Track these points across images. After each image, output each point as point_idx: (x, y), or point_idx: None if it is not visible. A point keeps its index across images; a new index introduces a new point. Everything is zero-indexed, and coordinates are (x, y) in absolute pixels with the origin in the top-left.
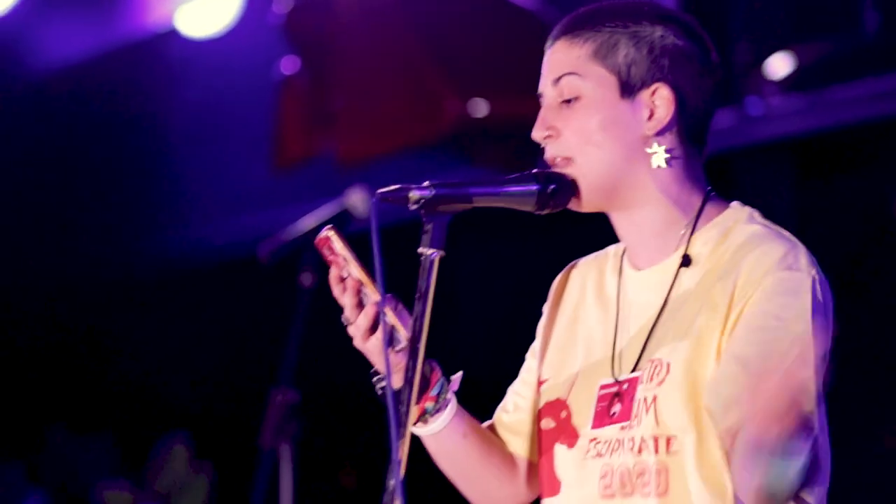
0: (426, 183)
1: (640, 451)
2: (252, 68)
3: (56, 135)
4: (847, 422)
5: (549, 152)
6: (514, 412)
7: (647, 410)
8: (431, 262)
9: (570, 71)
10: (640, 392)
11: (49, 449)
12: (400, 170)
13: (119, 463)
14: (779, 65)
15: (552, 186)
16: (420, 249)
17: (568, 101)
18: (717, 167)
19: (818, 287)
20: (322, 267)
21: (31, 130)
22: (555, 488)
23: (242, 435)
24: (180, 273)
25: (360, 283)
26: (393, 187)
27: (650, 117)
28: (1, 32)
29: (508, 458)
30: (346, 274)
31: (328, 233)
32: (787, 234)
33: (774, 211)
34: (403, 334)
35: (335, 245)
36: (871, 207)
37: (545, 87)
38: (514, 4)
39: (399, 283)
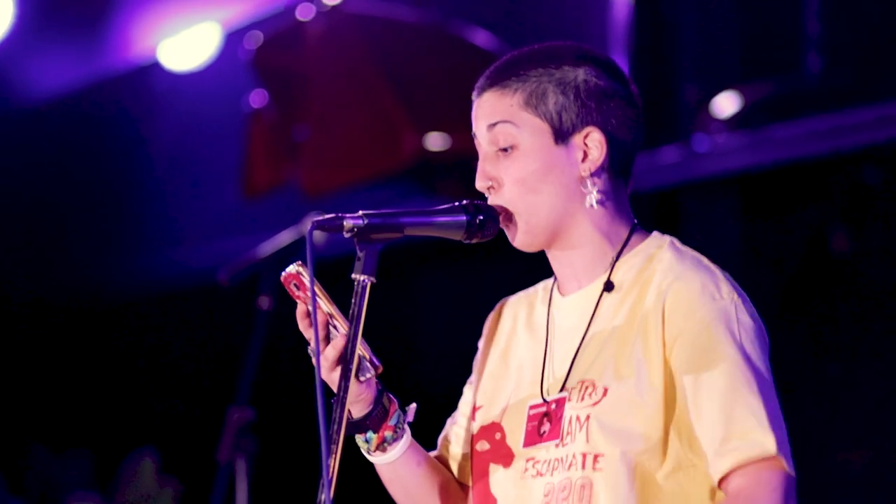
0: (360, 212)
1: (569, 467)
2: (228, 100)
3: (43, 161)
4: (797, 441)
5: (493, 202)
6: (456, 443)
7: (580, 429)
8: (363, 288)
9: (504, 119)
10: (570, 411)
11: (30, 463)
12: (366, 200)
13: (94, 477)
14: (725, 104)
15: (480, 217)
16: (353, 276)
17: (505, 150)
18: (665, 201)
19: (741, 310)
20: (280, 290)
21: (20, 157)
22: None
23: (205, 450)
24: (155, 295)
25: (329, 316)
26: (328, 216)
27: (584, 159)
28: None
29: (455, 486)
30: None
31: (297, 269)
32: (705, 260)
33: (719, 243)
34: (372, 365)
35: (305, 281)
36: (812, 241)
37: (479, 132)
38: (472, 44)
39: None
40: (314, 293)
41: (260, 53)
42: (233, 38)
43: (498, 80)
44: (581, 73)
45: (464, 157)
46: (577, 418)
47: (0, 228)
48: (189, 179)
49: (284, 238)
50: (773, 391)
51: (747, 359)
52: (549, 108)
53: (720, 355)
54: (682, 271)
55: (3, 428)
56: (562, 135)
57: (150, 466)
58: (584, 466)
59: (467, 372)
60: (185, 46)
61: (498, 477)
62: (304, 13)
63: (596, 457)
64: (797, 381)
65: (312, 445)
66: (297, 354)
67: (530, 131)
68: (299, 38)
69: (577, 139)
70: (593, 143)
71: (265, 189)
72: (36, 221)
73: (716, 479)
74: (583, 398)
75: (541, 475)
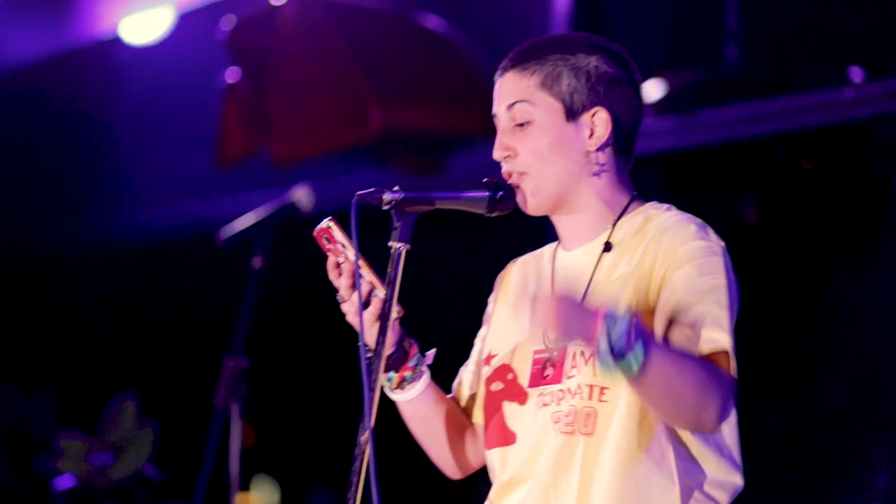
0: (396, 188)
1: (574, 396)
2: (187, 71)
3: (12, 127)
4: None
5: (507, 168)
6: (470, 388)
7: (585, 362)
8: (399, 254)
9: (521, 99)
10: (573, 348)
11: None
12: (316, 167)
13: (63, 418)
14: (652, 90)
15: (500, 193)
16: (390, 243)
17: (521, 125)
18: None
19: (726, 254)
20: (271, 252)
21: None
22: (509, 439)
23: (192, 395)
24: (124, 250)
25: (357, 267)
26: (370, 190)
27: (591, 136)
28: None
29: (469, 425)
30: (342, 260)
31: (329, 223)
32: (698, 219)
33: None
34: (394, 310)
35: (335, 234)
36: (728, 217)
37: (499, 110)
38: (428, 29)
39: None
40: (358, 256)
41: (234, 34)
42: (188, 16)
43: (519, 62)
44: (593, 60)
45: (418, 133)
46: (582, 353)
47: None
48: (154, 145)
49: (274, 204)
50: (733, 325)
51: (726, 284)
52: (562, 90)
53: (704, 272)
54: (677, 220)
55: None
56: (572, 113)
57: (132, 408)
58: (590, 397)
59: (479, 325)
60: (144, 23)
61: (513, 412)
62: None
63: (602, 389)
64: None
65: (301, 391)
66: (287, 310)
67: (545, 109)
68: (272, 21)
69: (586, 118)
70: (600, 121)
71: (238, 158)
72: (16, 183)
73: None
74: None
75: (546, 405)
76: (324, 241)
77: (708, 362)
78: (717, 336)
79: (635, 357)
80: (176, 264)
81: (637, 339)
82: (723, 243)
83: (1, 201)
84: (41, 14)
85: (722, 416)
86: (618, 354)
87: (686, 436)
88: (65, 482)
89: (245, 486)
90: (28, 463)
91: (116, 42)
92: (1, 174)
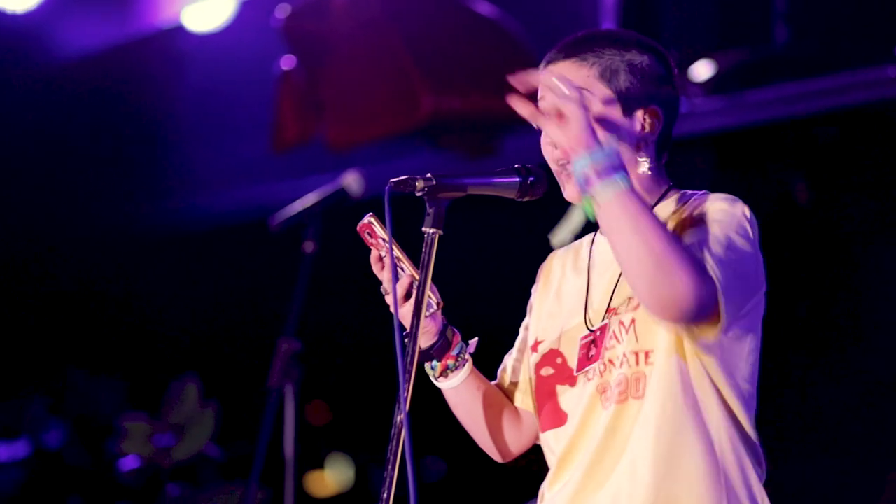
0: (429, 174)
1: (620, 365)
2: (247, 59)
3: (75, 116)
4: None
5: (560, 154)
6: (514, 374)
7: (626, 331)
8: (432, 239)
9: (581, 86)
10: (614, 322)
11: (69, 387)
12: (370, 152)
13: (128, 400)
14: (702, 70)
15: (531, 178)
16: (423, 228)
17: None
18: None
19: (750, 216)
20: (322, 237)
21: (57, 112)
22: (561, 419)
23: (249, 377)
24: (187, 235)
25: (398, 260)
26: (402, 177)
27: (641, 130)
28: (29, 25)
29: (513, 410)
30: (385, 254)
31: (370, 219)
32: (732, 196)
33: None
34: (434, 301)
35: (376, 230)
36: (778, 195)
37: (549, 94)
38: (479, 14)
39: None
40: (391, 245)
41: (289, 22)
42: (248, 4)
43: (574, 53)
44: (647, 59)
45: (469, 117)
46: (622, 323)
47: (53, 177)
48: (209, 132)
49: (325, 189)
50: (748, 279)
51: (743, 238)
52: (619, 84)
53: (723, 222)
54: (711, 195)
55: (49, 354)
56: (628, 108)
57: (194, 390)
58: (637, 363)
59: (520, 312)
60: (206, 12)
61: (565, 395)
62: None
63: (647, 353)
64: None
65: (353, 372)
66: (339, 293)
67: (602, 100)
68: (325, 8)
69: (639, 114)
70: (652, 118)
71: (293, 144)
72: (83, 170)
73: None
74: (627, 310)
75: (590, 380)
76: (366, 236)
77: (691, 253)
78: (710, 260)
79: (610, 184)
80: (233, 249)
81: (618, 172)
82: (750, 215)
83: (63, 189)
84: (104, 4)
85: (690, 306)
86: (597, 175)
87: (734, 403)
88: (129, 463)
89: (301, 466)
90: (99, 445)
91: (179, 30)
92: (63, 163)
